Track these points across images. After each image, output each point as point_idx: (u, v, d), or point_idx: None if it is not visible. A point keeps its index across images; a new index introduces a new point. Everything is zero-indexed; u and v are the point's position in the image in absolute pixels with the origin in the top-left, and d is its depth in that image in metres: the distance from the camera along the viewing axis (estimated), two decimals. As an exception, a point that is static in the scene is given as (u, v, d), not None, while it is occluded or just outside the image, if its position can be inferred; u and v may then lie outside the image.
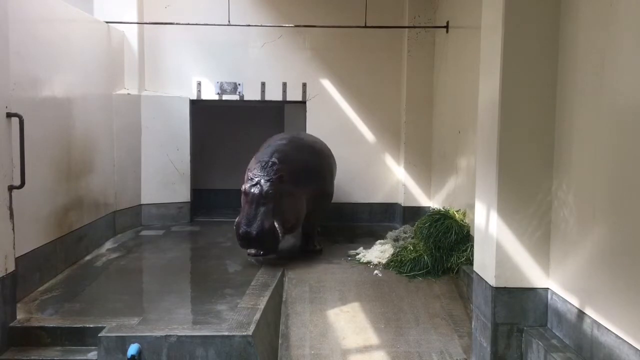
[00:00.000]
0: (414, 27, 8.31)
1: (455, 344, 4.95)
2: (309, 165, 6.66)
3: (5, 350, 4.32)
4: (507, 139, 4.09)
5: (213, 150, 10.44)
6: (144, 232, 7.89)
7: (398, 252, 6.48)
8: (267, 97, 8.79)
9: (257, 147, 7.11)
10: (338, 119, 8.85)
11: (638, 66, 3.14)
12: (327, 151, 7.57)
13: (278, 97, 8.80)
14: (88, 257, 6.53)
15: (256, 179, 6.05)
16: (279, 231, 5.99)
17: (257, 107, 10.07)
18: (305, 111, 8.86)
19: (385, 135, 8.89)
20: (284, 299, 5.61)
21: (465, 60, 6.76)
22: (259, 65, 8.72)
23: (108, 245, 7.15)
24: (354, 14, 8.31)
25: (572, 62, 3.88)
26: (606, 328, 3.40)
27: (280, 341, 4.99)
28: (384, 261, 6.43)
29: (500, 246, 4.16)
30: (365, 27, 7.93)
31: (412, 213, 8.35)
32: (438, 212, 6.78)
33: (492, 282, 4.21)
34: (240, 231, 5.99)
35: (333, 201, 8.82)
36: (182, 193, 8.57)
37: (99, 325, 4.39)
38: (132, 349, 4.06)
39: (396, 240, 7.03)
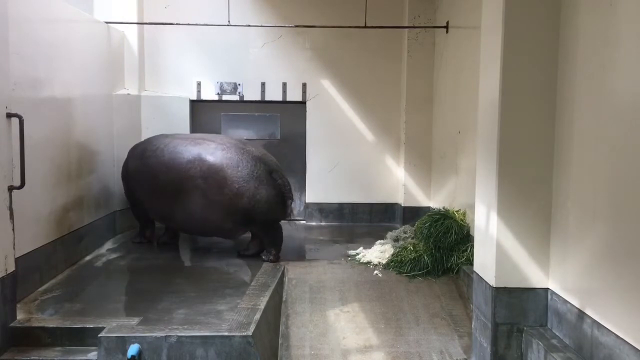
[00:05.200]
0: (414, 27, 8.31)
1: (455, 344, 4.95)
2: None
3: (6, 350, 4.32)
4: (507, 139, 4.09)
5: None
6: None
7: (398, 252, 6.48)
8: (267, 98, 8.80)
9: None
10: (338, 119, 8.85)
11: (638, 66, 3.14)
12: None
13: (278, 97, 8.80)
14: (88, 257, 6.54)
15: None
16: None
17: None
18: (306, 111, 8.88)
19: (385, 135, 8.89)
20: (284, 299, 5.61)
21: (465, 60, 6.76)
22: (258, 66, 8.72)
23: (108, 245, 7.15)
24: (354, 14, 8.32)
25: (572, 62, 3.88)
26: (606, 328, 3.40)
27: (280, 341, 5.00)
28: (384, 261, 6.43)
29: (500, 246, 4.17)
30: (365, 27, 7.93)
31: (412, 213, 8.35)
32: (438, 212, 6.78)
33: (492, 282, 4.21)
34: None
35: (333, 201, 8.91)
36: (182, 193, 8.54)
37: (99, 326, 4.39)
38: (132, 350, 4.06)
39: (396, 240, 7.03)
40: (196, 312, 4.79)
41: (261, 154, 6.51)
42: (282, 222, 6.71)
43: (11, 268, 4.38)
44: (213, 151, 6.33)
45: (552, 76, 4.06)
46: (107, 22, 7.49)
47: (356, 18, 8.16)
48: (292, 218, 6.78)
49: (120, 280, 5.92)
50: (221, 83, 8.71)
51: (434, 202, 8.28)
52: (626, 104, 3.25)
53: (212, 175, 6.20)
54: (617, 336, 3.28)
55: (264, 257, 6.47)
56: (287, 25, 8.33)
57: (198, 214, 6.37)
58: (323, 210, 8.96)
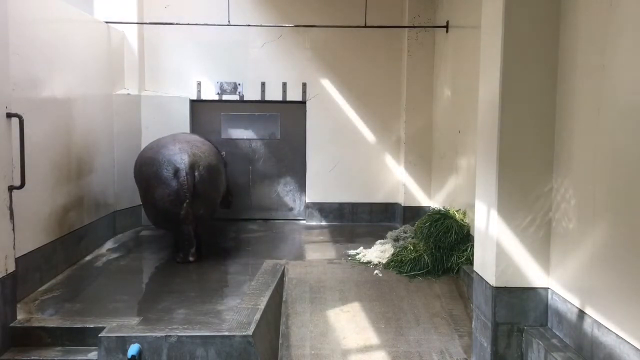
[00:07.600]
0: (414, 27, 8.31)
1: (456, 344, 4.95)
2: None
3: (6, 350, 4.32)
4: (507, 138, 4.09)
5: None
6: (144, 232, 7.89)
7: (398, 252, 6.48)
8: (267, 97, 8.80)
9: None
10: (338, 119, 8.85)
11: (638, 65, 3.14)
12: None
13: (278, 97, 8.80)
14: (88, 257, 6.54)
15: None
16: None
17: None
18: (306, 111, 8.88)
19: (385, 135, 8.89)
20: (284, 299, 5.61)
21: (465, 60, 6.76)
22: (258, 65, 8.72)
23: (108, 245, 7.16)
24: (354, 13, 8.33)
25: (572, 62, 3.88)
26: (606, 328, 3.40)
27: (280, 341, 5.00)
28: (384, 261, 6.43)
29: (500, 246, 4.17)
30: (365, 27, 7.94)
31: (412, 213, 8.36)
32: (438, 212, 6.78)
33: (493, 281, 4.21)
34: None
35: (333, 201, 8.91)
36: (182, 193, 8.54)
37: (99, 326, 4.39)
38: (133, 349, 4.06)
39: (396, 240, 7.03)
40: (196, 312, 4.79)
41: (180, 151, 6.24)
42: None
43: (11, 268, 4.38)
44: (152, 146, 6.69)
45: (552, 76, 4.06)
46: (107, 22, 7.49)
47: (356, 18, 8.17)
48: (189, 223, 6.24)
49: (120, 280, 5.92)
50: (221, 83, 8.71)
51: (434, 201, 8.28)
52: (626, 103, 3.25)
53: (142, 168, 6.54)
54: (617, 336, 3.28)
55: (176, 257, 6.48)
56: (287, 25, 8.33)
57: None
58: (323, 210, 8.97)
